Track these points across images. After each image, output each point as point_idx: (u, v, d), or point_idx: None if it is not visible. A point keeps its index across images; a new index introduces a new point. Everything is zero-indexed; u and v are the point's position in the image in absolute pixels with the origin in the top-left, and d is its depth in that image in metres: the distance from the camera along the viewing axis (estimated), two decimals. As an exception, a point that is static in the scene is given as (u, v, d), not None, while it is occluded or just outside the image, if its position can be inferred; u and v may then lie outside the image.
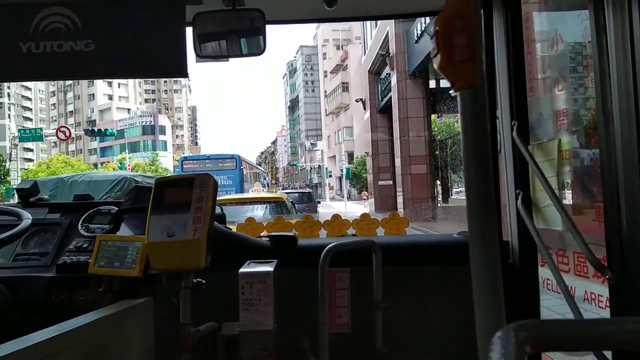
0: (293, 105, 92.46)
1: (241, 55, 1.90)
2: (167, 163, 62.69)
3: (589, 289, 1.67)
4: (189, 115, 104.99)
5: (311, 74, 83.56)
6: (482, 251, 0.68)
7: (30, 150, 79.86)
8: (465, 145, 0.70)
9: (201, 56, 1.85)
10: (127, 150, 47.13)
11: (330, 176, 55.98)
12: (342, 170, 39.02)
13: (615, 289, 1.40)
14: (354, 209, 29.33)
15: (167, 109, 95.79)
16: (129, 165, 39.00)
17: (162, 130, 70.59)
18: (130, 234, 1.71)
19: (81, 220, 1.91)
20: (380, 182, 26.06)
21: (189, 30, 1.78)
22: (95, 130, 25.55)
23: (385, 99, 24.67)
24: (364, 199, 36.60)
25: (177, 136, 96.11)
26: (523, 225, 1.82)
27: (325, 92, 68.30)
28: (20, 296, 1.63)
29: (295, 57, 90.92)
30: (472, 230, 0.69)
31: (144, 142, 68.62)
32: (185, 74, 1.69)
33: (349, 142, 54.88)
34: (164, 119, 74.73)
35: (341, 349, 1.70)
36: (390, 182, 25.48)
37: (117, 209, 1.91)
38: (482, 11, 1.82)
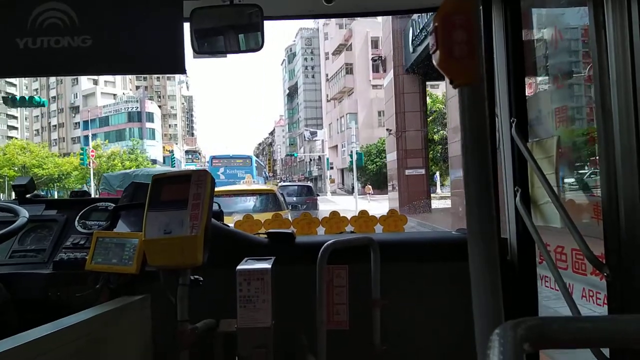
0: (292, 93, 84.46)
1: (239, 51, 1.89)
2: (157, 153, 58.73)
3: (587, 286, 1.68)
4: (182, 103, 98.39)
5: (311, 59, 75.98)
6: (480, 248, 0.68)
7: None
8: (464, 142, 0.70)
9: (199, 52, 1.84)
10: (89, 138, 43.24)
11: (332, 168, 51.06)
12: (351, 156, 30.35)
13: (613, 286, 1.40)
14: (364, 206, 20.39)
15: (160, 96, 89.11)
16: (92, 152, 34.95)
17: (150, 118, 63.43)
18: (128, 231, 1.71)
19: (78, 217, 1.91)
20: (407, 172, 19.30)
21: (186, 26, 1.77)
22: (18, 98, 19.31)
23: (420, 49, 17.24)
24: (369, 194, 33.10)
25: (170, 125, 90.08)
26: (521, 223, 1.82)
27: (327, 75, 62.07)
28: (17, 293, 1.62)
29: (294, 41, 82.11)
30: (471, 227, 0.69)
31: (130, 129, 61.39)
32: (183, 70, 1.68)
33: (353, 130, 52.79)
34: (152, 106, 66.60)
35: (339, 346, 1.70)
36: (422, 171, 19.48)
37: (114, 205, 1.91)
38: (481, 8, 1.82)
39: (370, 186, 35.40)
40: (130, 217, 1.79)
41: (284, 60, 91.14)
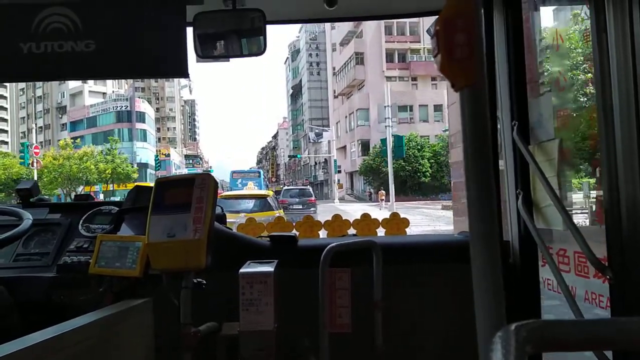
0: (296, 93, 78.70)
1: (241, 55, 1.90)
2: (149, 156, 52.28)
3: (590, 288, 1.67)
4: (182, 106, 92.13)
5: (316, 54, 69.57)
6: (482, 251, 0.68)
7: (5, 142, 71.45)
8: (466, 145, 0.70)
9: (202, 56, 1.85)
10: (30, 139, 39.03)
11: (339, 171, 45.50)
12: (384, 143, 19.72)
13: (615, 289, 1.40)
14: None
15: (158, 98, 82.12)
16: (36, 149, 29.49)
17: (141, 117, 56.41)
18: (131, 234, 1.71)
19: (82, 221, 1.91)
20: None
21: (189, 31, 1.78)
22: None
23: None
24: (382, 200, 29.38)
25: (168, 129, 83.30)
26: (523, 225, 1.82)
27: (334, 69, 55.72)
28: (20, 296, 1.63)
29: (297, 36, 76.15)
30: (473, 230, 0.69)
31: (119, 130, 54.46)
32: (186, 74, 1.69)
33: (364, 128, 43.59)
34: (144, 105, 59.41)
35: (341, 349, 1.70)
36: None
37: (117, 209, 1.91)
38: (482, 11, 1.82)
39: (383, 191, 31.29)
40: (133, 221, 1.79)
41: (287, 58, 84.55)
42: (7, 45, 1.66)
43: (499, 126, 1.90)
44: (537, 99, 1.89)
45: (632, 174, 1.27)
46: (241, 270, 1.56)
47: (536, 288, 1.85)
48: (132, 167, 42.64)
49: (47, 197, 2.30)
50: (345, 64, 50.45)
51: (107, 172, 38.71)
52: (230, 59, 2.01)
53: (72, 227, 1.90)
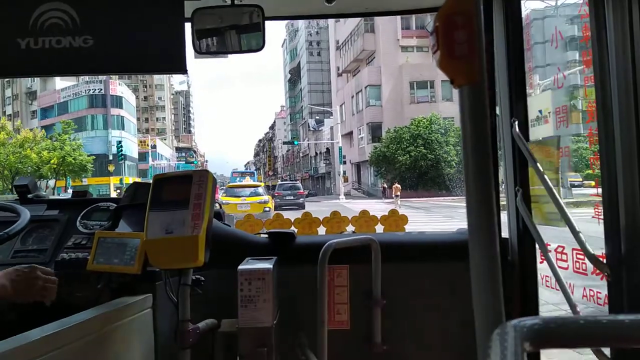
0: (294, 78, 71.01)
1: (240, 51, 1.90)
2: (130, 147, 46.19)
3: (588, 285, 1.68)
4: (171, 94, 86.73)
5: (316, 32, 61.26)
6: (481, 248, 0.68)
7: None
8: (465, 142, 0.70)
9: (200, 52, 1.85)
10: None
11: (345, 162, 39.05)
12: None
13: (613, 286, 1.40)
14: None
15: (145, 86, 77.57)
16: None
17: (118, 102, 47.93)
18: (129, 231, 1.71)
19: (80, 217, 1.91)
20: None
21: (187, 26, 1.78)
22: None
23: None
24: (397, 196, 25.18)
25: (157, 119, 78.60)
26: (522, 223, 1.82)
27: (337, 42, 47.50)
28: None
29: None
30: (471, 227, 0.69)
31: (92, 117, 46.51)
32: (184, 70, 1.69)
33: (375, 109, 36.16)
34: (121, 88, 50.16)
35: (340, 346, 1.70)
36: None
37: (115, 205, 1.91)
38: (482, 8, 1.82)
39: (399, 185, 26.69)
40: (131, 217, 1.79)
41: (284, 40, 75.51)
42: (4, 40, 1.65)
43: (498, 123, 1.90)
44: (536, 96, 1.89)
45: (631, 171, 1.27)
46: (240, 267, 1.57)
47: (534, 285, 1.86)
48: (87, 156, 36.02)
49: (44, 193, 2.28)
50: (351, 34, 41.67)
51: (52, 161, 31.96)
52: (229, 55, 2.01)
53: (70, 224, 1.89)
